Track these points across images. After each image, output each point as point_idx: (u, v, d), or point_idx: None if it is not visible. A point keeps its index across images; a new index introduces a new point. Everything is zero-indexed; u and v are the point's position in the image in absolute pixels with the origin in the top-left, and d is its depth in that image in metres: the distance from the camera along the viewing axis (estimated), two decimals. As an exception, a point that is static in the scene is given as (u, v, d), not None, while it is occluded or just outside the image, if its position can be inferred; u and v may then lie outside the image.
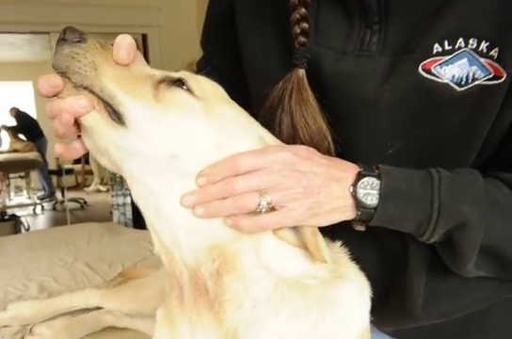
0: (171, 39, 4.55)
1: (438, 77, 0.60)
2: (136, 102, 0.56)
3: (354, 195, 0.58)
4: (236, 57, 0.77)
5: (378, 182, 0.58)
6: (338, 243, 0.68)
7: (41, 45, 5.75)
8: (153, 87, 0.58)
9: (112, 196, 5.60)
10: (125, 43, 0.57)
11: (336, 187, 0.58)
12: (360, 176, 0.59)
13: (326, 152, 0.65)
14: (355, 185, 0.58)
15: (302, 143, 0.65)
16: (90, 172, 7.08)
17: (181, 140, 0.56)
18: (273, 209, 0.57)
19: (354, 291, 0.62)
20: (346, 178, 0.59)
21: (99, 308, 1.35)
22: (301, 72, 0.65)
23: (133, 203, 4.83)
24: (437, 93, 0.60)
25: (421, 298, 0.70)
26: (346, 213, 0.60)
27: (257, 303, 0.58)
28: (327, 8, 0.66)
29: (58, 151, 0.59)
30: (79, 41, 0.57)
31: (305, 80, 0.65)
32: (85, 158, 7.05)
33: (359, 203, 0.58)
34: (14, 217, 4.66)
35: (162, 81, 0.59)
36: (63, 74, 0.55)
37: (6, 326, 1.30)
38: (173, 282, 0.63)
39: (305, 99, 0.64)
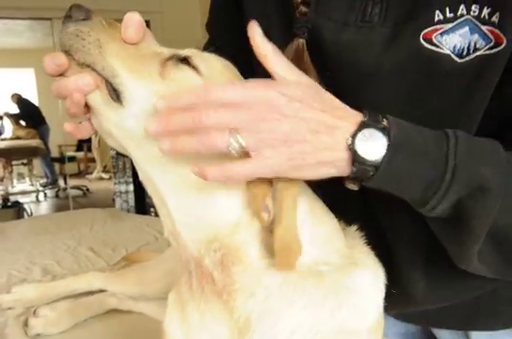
0: (174, 25, 4.51)
1: (438, 47, 0.58)
2: (138, 80, 0.54)
3: (351, 148, 0.50)
4: (243, 39, 0.76)
5: (384, 135, 0.51)
6: (354, 227, 0.65)
7: (43, 32, 5.71)
8: (161, 64, 0.56)
9: (114, 183, 5.60)
10: (134, 21, 0.56)
11: (327, 137, 0.50)
12: (361, 126, 0.51)
13: None
14: (354, 135, 0.50)
15: None
16: (93, 160, 7.08)
17: None
18: (247, 156, 0.50)
19: (370, 278, 0.60)
20: (343, 127, 0.51)
21: (102, 291, 1.34)
22: (301, 41, 0.63)
23: (135, 191, 4.84)
24: (437, 65, 0.59)
25: (420, 282, 0.69)
26: (339, 168, 0.52)
27: (269, 293, 0.56)
28: None
29: (68, 129, 0.58)
30: (85, 19, 0.56)
31: (305, 50, 0.63)
32: (87, 146, 7.06)
33: (356, 158, 0.50)
34: (17, 204, 4.68)
35: (169, 59, 0.57)
36: (68, 53, 0.55)
37: (10, 308, 1.30)
38: (182, 268, 0.63)
39: (305, 70, 0.62)
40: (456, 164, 0.51)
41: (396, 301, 0.69)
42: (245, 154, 0.49)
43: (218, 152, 0.49)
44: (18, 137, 6.45)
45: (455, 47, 0.58)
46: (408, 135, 0.52)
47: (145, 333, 1.19)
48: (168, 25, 4.62)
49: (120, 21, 0.57)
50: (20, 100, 6.63)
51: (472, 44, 0.58)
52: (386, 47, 0.61)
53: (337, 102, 0.53)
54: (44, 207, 5.89)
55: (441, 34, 0.58)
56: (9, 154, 5.95)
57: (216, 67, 0.59)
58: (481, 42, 0.57)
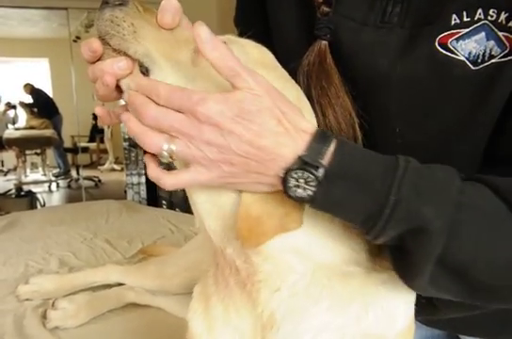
0: (191, 13, 4.49)
1: (454, 53, 0.56)
2: (170, 65, 0.53)
3: (283, 181, 0.48)
4: (269, 35, 0.74)
5: (316, 177, 0.47)
6: None
7: (58, 22, 5.71)
8: (194, 51, 0.55)
9: (127, 175, 5.62)
10: (171, 6, 0.54)
11: (256, 164, 0.48)
12: (297, 163, 0.47)
13: (352, 136, 0.60)
14: (288, 170, 0.47)
15: (326, 125, 0.60)
16: (105, 151, 7.10)
17: None
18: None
19: (400, 283, 0.57)
20: (277, 157, 0.48)
21: (120, 284, 1.34)
22: (324, 43, 0.61)
23: (147, 183, 4.84)
24: (450, 71, 0.56)
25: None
26: (273, 188, 0.50)
27: (295, 291, 0.55)
28: None
29: (99, 114, 0.57)
30: (121, 4, 0.54)
31: (328, 53, 0.61)
32: (100, 137, 7.08)
33: (288, 193, 0.48)
34: (30, 194, 4.70)
35: None
36: (104, 39, 0.54)
37: (27, 299, 1.30)
38: (211, 260, 0.62)
39: (328, 74, 0.61)
40: (397, 200, 0.46)
41: (423, 308, 0.66)
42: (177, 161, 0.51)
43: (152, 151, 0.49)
44: (32, 127, 6.47)
45: (470, 53, 0.56)
46: (349, 165, 0.48)
47: (163, 328, 1.19)
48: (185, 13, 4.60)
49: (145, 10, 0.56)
50: (33, 90, 6.65)
51: (488, 51, 0.55)
52: (401, 50, 0.59)
53: (281, 121, 0.48)
54: (56, 197, 5.92)
55: (457, 39, 0.56)
56: (23, 144, 5.97)
57: (251, 53, 0.57)
58: (496, 49, 0.55)
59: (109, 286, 1.35)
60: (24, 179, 6.12)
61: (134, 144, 5.38)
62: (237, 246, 0.55)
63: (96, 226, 1.99)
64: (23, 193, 4.70)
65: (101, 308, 1.25)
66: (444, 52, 0.56)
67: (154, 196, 4.70)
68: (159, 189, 4.60)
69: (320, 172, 0.47)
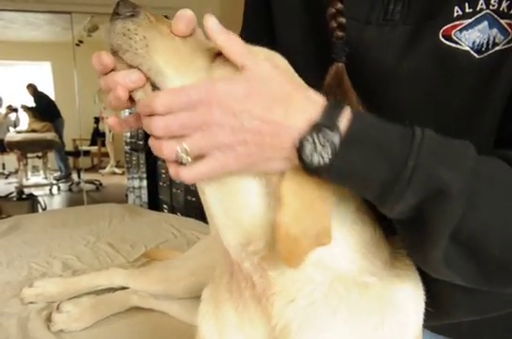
0: (194, 12, 4.50)
1: (458, 44, 0.57)
2: (183, 78, 0.53)
3: (298, 150, 0.47)
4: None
5: (332, 142, 0.46)
6: (398, 236, 0.61)
7: (62, 26, 5.73)
8: (210, 60, 0.55)
9: (128, 179, 5.63)
10: (185, 16, 0.54)
11: (271, 139, 0.48)
12: (313, 129, 0.47)
13: None
14: (302, 140, 0.47)
15: None
16: (106, 155, 7.10)
17: None
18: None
19: (412, 293, 0.58)
20: (292, 128, 0.47)
21: (124, 288, 1.34)
22: (340, 65, 0.61)
23: (148, 187, 4.84)
24: (455, 62, 0.57)
25: (456, 292, 0.66)
26: (290, 163, 0.49)
27: (312, 300, 0.54)
28: None
29: (111, 123, 0.58)
30: (132, 15, 0.53)
31: (345, 74, 0.61)
32: (101, 141, 7.08)
33: (300, 160, 0.48)
34: (32, 197, 4.70)
35: (220, 54, 0.55)
36: (116, 53, 0.53)
37: (31, 302, 1.30)
38: (224, 268, 0.62)
39: (345, 95, 0.61)
40: (416, 165, 0.46)
41: (429, 313, 0.67)
42: (197, 158, 0.50)
43: (168, 160, 0.50)
44: (33, 130, 6.47)
45: (474, 43, 0.57)
46: (366, 130, 0.48)
47: (167, 332, 1.19)
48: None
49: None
50: (35, 92, 6.66)
51: (492, 39, 0.56)
52: (406, 46, 0.60)
53: (291, 94, 0.49)
54: (58, 200, 5.92)
55: (460, 30, 0.57)
56: (25, 147, 5.98)
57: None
58: (499, 37, 0.56)
59: (113, 290, 1.35)
60: (25, 182, 6.13)
61: (135, 148, 5.40)
62: (254, 261, 0.55)
63: (99, 229, 1.99)
64: (24, 196, 4.70)
65: (105, 311, 1.25)
66: (448, 43, 0.57)
67: (156, 200, 4.71)
68: (160, 194, 4.61)
69: (336, 136, 0.46)
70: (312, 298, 0.54)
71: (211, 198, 0.55)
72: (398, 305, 0.56)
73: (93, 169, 7.21)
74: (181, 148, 0.49)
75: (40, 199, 4.93)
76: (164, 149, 0.49)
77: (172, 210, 4.21)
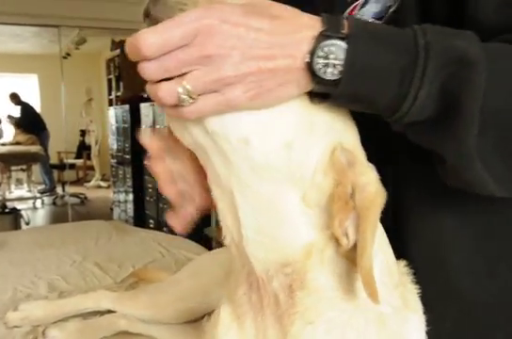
0: None
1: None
2: None
3: (309, 66, 0.45)
4: None
5: (344, 43, 0.44)
6: (403, 262, 0.60)
7: (49, 38, 5.72)
8: None
9: (114, 192, 5.59)
10: None
11: (283, 59, 0.44)
12: (320, 39, 0.44)
13: None
14: (312, 52, 0.44)
15: None
16: (92, 168, 7.06)
17: (257, 123, 0.47)
18: None
19: (418, 324, 0.57)
20: (300, 42, 0.44)
21: (111, 311, 1.32)
22: None
23: (134, 201, 4.81)
24: None
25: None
26: (300, 87, 0.47)
27: (330, 328, 0.52)
28: None
29: (171, 222, 0.58)
30: None
31: None
32: (87, 154, 7.04)
33: (314, 77, 0.45)
34: (15, 211, 4.64)
35: None
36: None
37: (16, 326, 1.27)
38: (241, 277, 0.57)
39: None
40: (428, 41, 0.44)
41: None
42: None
43: (169, 103, 0.45)
44: (18, 143, 6.42)
45: (375, 13, 0.59)
46: (367, 28, 0.46)
47: (155, 357, 1.17)
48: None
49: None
50: (19, 101, 6.61)
51: (386, 5, 0.59)
52: None
53: (289, 12, 0.46)
54: (41, 214, 5.85)
55: (360, 8, 0.60)
56: (8, 160, 5.92)
57: None
58: (390, 0, 0.59)
59: (100, 313, 1.33)
60: (8, 195, 6.05)
61: (122, 162, 5.37)
62: (284, 282, 0.53)
63: (85, 249, 1.96)
64: (7, 210, 4.63)
65: (92, 336, 1.22)
66: None
67: (142, 215, 4.67)
68: (146, 208, 4.58)
69: (343, 42, 0.44)
70: (331, 326, 0.52)
71: (245, 210, 0.51)
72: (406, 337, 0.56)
73: (78, 182, 7.16)
74: (183, 88, 0.43)
75: (23, 213, 4.87)
76: (162, 92, 0.44)
77: (158, 225, 4.18)
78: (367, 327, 0.53)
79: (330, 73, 0.45)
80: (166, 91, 0.44)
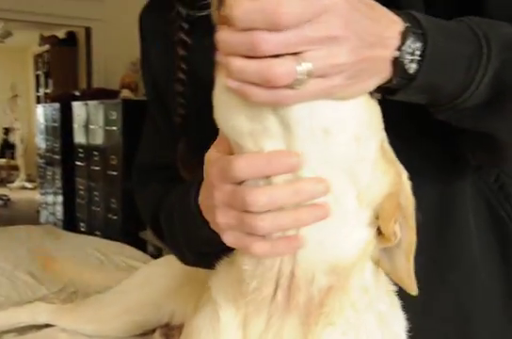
0: (117, 33, 4.40)
1: None
2: None
3: (396, 60, 0.45)
4: None
5: (421, 43, 0.46)
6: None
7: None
8: None
9: (41, 194, 5.32)
10: None
11: (381, 50, 0.44)
12: (407, 34, 0.45)
13: None
14: (400, 47, 0.45)
15: None
16: (16, 168, 6.73)
17: (333, 114, 0.45)
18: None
19: (403, 321, 0.59)
20: (393, 37, 0.45)
21: (49, 325, 1.24)
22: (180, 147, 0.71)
23: (64, 203, 4.59)
24: None
25: None
26: (381, 79, 0.47)
27: (349, 328, 0.53)
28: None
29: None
30: None
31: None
32: (11, 153, 6.69)
33: (399, 72, 0.46)
34: None
35: None
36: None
37: None
38: (265, 276, 0.54)
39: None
40: (484, 32, 0.48)
41: None
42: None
43: (282, 84, 0.40)
44: None
45: None
46: (432, 20, 0.48)
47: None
48: (110, 34, 4.50)
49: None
50: None
51: None
52: None
53: (378, 4, 0.46)
54: (-40, 217, 5.48)
55: None
56: None
57: None
58: None
59: (37, 327, 1.24)
60: None
61: (50, 162, 5.12)
62: (327, 283, 0.52)
63: (16, 256, 1.84)
64: None
65: (29, 353, 1.14)
66: None
67: (72, 218, 4.46)
68: (77, 211, 4.38)
69: (423, 37, 0.46)
70: (349, 327, 0.54)
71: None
72: (400, 335, 0.58)
73: (1, 183, 6.79)
74: (302, 67, 0.39)
75: None
76: (280, 69, 0.39)
77: (90, 228, 4.03)
78: (374, 326, 0.55)
79: (413, 68, 0.46)
80: (284, 69, 0.39)
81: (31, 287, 1.55)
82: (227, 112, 0.47)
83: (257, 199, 0.44)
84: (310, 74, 0.40)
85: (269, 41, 0.38)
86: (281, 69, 0.39)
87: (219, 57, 0.42)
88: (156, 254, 2.83)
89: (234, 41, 0.39)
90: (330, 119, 0.45)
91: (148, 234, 3.29)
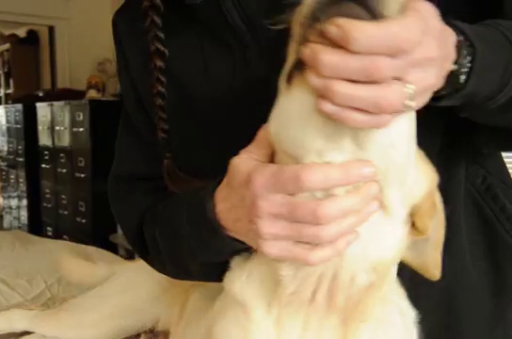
0: (81, 33, 4.32)
1: None
2: None
3: (452, 73, 0.47)
4: None
5: (470, 57, 0.48)
6: None
7: None
8: None
9: (3, 198, 5.17)
10: None
11: (448, 64, 0.46)
12: (460, 46, 0.47)
13: None
14: (456, 61, 0.47)
15: None
16: (-24, 171, 6.50)
17: (398, 127, 0.46)
18: None
19: (414, 318, 0.63)
20: (452, 51, 0.46)
21: (28, 332, 1.21)
22: (166, 162, 0.71)
23: (29, 207, 4.47)
24: None
25: None
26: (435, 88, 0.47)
27: (377, 323, 0.56)
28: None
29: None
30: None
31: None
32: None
33: (450, 82, 0.47)
34: None
35: None
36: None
37: None
38: (309, 281, 0.54)
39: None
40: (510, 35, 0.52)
41: None
42: None
43: (393, 111, 0.40)
44: None
45: None
46: (471, 28, 0.50)
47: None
48: (74, 33, 4.41)
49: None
50: None
51: None
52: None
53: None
54: None
55: None
56: None
57: None
58: None
59: (15, 335, 1.21)
60: None
61: (13, 165, 4.98)
62: (367, 281, 0.52)
63: (-15, 263, 1.79)
64: None
65: (8, 362, 1.12)
66: None
67: (37, 222, 4.35)
68: (43, 215, 4.28)
69: (470, 49, 0.48)
70: (378, 324, 0.57)
71: None
72: (412, 330, 0.60)
73: (-40, 186, 6.56)
74: (410, 91, 0.39)
75: None
76: (391, 96, 0.38)
77: (57, 233, 3.94)
78: (397, 318, 0.58)
79: (463, 79, 0.48)
80: (397, 95, 0.39)
81: (4, 295, 1.51)
82: (298, 130, 0.46)
83: (329, 211, 0.44)
84: (412, 98, 0.40)
85: (389, 67, 0.38)
86: (394, 96, 0.38)
87: (313, 79, 0.40)
88: (128, 257, 2.79)
89: (349, 65, 0.37)
90: (396, 132, 0.45)
91: (118, 238, 3.24)
